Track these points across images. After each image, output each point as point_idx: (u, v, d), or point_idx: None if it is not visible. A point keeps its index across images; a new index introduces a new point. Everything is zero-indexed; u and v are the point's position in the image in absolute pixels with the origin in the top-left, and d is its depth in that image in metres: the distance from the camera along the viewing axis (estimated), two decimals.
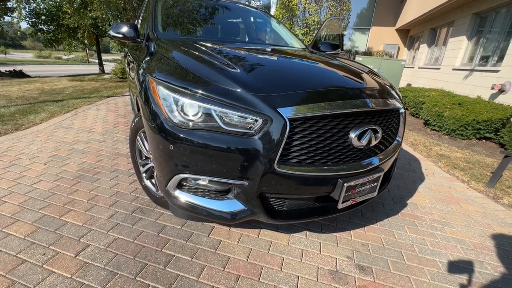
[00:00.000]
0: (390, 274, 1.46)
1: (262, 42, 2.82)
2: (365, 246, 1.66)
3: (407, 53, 12.89)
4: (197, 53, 1.54)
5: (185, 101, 1.16)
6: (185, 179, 1.24)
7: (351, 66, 1.81)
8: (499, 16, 5.78)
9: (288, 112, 1.10)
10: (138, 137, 1.82)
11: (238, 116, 1.12)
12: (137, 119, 1.75)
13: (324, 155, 1.21)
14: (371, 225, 1.88)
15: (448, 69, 7.43)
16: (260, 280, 1.35)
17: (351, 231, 1.80)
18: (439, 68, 8.11)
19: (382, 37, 13.20)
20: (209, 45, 1.83)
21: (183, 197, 1.29)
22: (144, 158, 1.93)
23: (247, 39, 2.83)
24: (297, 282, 1.35)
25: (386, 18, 12.85)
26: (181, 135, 1.15)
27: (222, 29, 2.79)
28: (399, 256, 1.60)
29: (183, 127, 1.16)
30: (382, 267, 1.50)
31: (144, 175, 1.92)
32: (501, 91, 4.87)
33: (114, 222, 1.68)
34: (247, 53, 1.83)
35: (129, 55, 2.85)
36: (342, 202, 1.31)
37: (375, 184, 1.40)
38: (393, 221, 1.96)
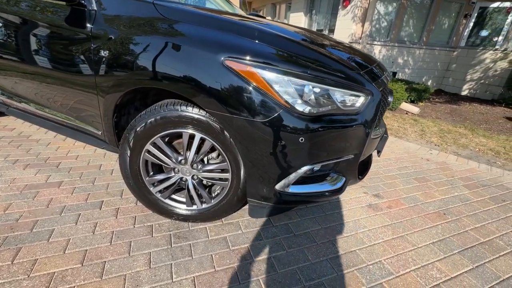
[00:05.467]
0: (388, 191, 2.10)
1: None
2: (363, 182, 2.22)
3: None
4: (264, 27, 1.25)
5: (310, 85, 1.02)
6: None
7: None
8: (324, 0, 7.81)
9: (376, 86, 1.26)
10: (150, 146, 1.29)
11: (351, 94, 1.14)
12: (145, 123, 1.23)
13: (380, 117, 1.49)
14: None
15: None
16: (358, 232, 1.57)
17: None
18: None
19: None
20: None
21: (297, 191, 1.18)
22: (152, 173, 1.42)
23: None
24: (364, 227, 1.68)
25: None
26: (311, 124, 1.03)
27: None
28: (382, 179, 2.27)
29: (310, 115, 1.04)
30: (382, 190, 2.11)
31: (159, 195, 1.44)
32: None
33: (164, 265, 1.23)
34: (280, 26, 1.66)
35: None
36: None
37: None
38: None
